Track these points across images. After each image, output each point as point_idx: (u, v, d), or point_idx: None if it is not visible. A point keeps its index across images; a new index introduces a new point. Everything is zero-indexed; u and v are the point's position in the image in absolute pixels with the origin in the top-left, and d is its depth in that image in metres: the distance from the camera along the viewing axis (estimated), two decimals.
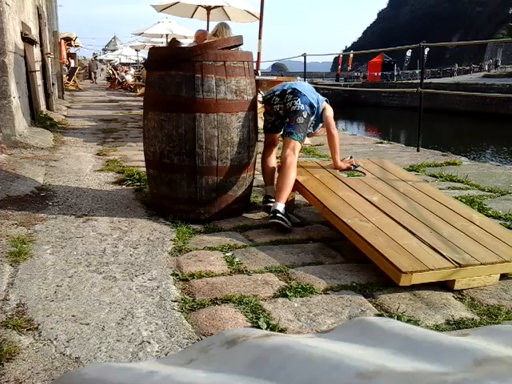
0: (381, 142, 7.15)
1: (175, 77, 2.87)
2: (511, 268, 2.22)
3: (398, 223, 2.49)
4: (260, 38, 7.54)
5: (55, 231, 2.75)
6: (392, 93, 32.91)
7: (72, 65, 24.31)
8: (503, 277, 2.24)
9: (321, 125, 3.30)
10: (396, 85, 33.46)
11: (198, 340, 1.67)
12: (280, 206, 2.82)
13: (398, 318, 1.83)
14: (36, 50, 8.12)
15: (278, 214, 2.78)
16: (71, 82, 21.04)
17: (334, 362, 0.60)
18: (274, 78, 7.40)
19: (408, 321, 1.83)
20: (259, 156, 3.39)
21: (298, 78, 3.47)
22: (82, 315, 1.82)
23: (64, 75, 17.43)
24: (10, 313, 1.81)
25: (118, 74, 23.88)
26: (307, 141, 6.19)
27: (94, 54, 51.39)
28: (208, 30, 8.01)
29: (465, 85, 29.42)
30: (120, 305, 1.91)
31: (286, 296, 2.02)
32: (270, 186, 3.30)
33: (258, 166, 3.41)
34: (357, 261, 2.40)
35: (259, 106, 3.46)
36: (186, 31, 15.76)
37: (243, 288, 2.09)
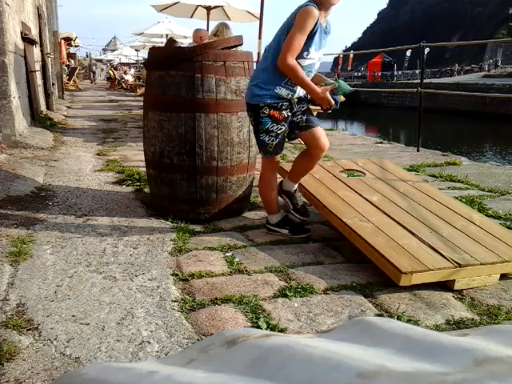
0: (381, 142, 7.15)
1: (175, 77, 2.87)
2: (511, 268, 2.22)
3: (398, 223, 2.49)
4: (260, 38, 7.55)
5: (55, 231, 2.75)
6: (392, 93, 32.92)
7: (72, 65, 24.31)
8: (503, 277, 2.24)
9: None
10: (396, 85, 33.49)
11: (198, 340, 1.67)
12: (269, 218, 2.83)
13: (398, 318, 1.83)
14: (36, 50, 8.12)
15: (268, 225, 2.83)
16: (71, 82, 21.04)
17: (334, 362, 0.60)
18: None
19: (408, 321, 1.83)
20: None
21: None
22: (82, 315, 1.82)
23: (64, 75, 17.43)
24: (10, 313, 1.81)
25: (117, 74, 23.88)
26: None
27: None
28: (208, 30, 8.01)
29: (465, 85, 29.43)
30: (120, 305, 1.91)
31: (286, 296, 2.02)
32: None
33: (258, 165, 3.41)
34: (357, 261, 2.40)
35: None
36: (185, 31, 15.75)
37: (243, 288, 2.09)
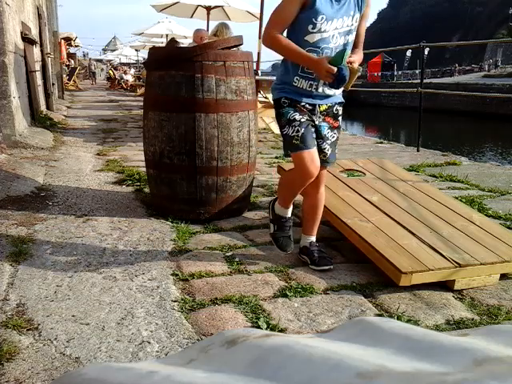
0: (381, 142, 7.16)
1: (175, 77, 2.87)
2: (511, 268, 2.22)
3: (398, 223, 2.49)
4: (260, 37, 7.54)
5: (55, 231, 2.75)
6: (392, 93, 32.93)
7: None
8: (503, 277, 2.24)
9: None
10: (396, 85, 33.50)
11: (198, 340, 1.67)
12: (276, 205, 2.57)
13: (398, 318, 1.83)
14: (36, 50, 8.12)
15: (270, 208, 2.54)
16: (71, 82, 21.04)
17: (333, 362, 0.60)
18: (274, 78, 7.39)
19: (408, 321, 1.83)
20: (259, 156, 3.39)
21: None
22: (82, 315, 1.82)
23: (64, 75, 17.43)
24: (10, 313, 1.81)
25: (117, 74, 23.89)
26: None
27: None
28: (208, 30, 8.01)
29: (465, 85, 29.44)
30: (120, 305, 1.91)
31: (286, 296, 2.02)
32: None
33: (258, 165, 3.41)
34: (357, 261, 2.40)
35: (259, 105, 3.45)
36: (185, 31, 15.76)
37: (243, 288, 2.09)
